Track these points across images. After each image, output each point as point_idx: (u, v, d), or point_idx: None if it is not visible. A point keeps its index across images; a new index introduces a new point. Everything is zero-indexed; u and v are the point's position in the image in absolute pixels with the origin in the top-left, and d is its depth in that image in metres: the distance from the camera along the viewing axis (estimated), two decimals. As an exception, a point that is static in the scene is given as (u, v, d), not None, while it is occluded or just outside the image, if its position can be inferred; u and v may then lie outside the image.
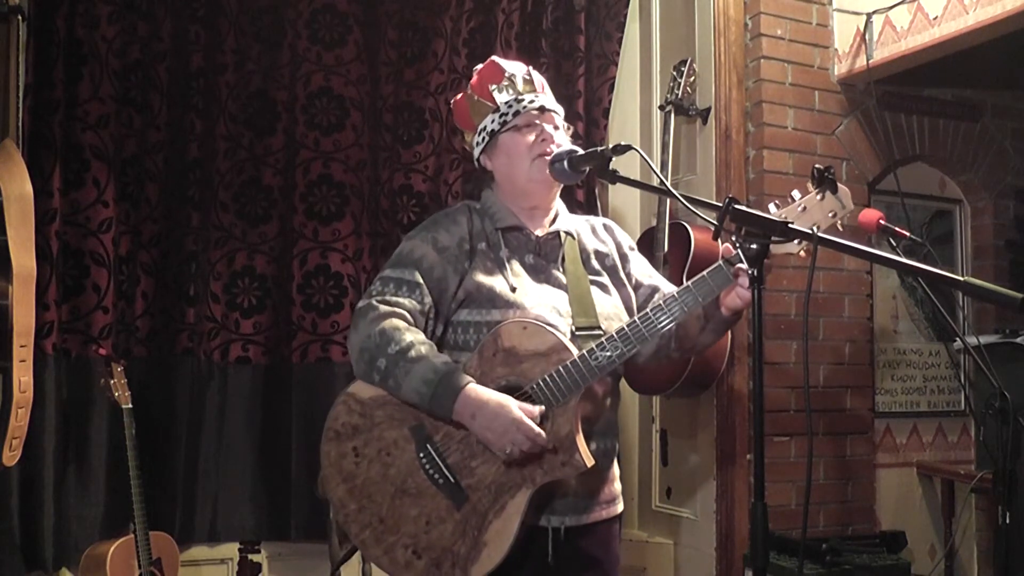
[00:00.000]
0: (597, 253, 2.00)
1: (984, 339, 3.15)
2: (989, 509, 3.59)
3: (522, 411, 1.70)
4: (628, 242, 2.08)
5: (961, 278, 1.50)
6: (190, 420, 3.22)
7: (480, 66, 2.04)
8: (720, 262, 1.75)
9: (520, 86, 1.96)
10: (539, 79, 2.01)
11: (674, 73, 3.49)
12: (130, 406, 2.93)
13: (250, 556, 3.31)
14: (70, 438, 3.04)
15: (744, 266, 1.69)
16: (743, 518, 3.24)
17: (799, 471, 3.28)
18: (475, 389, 1.73)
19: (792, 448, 3.30)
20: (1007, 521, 2.71)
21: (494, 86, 1.96)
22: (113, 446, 3.03)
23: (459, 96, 2.05)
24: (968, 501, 3.67)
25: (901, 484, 3.68)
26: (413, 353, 1.75)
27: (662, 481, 3.69)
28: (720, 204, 1.59)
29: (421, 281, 1.85)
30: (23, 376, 2.49)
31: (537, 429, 1.70)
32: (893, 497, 3.63)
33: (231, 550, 3.29)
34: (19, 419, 2.51)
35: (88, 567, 2.90)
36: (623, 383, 3.43)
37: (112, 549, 2.86)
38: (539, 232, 1.95)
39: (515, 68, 1.99)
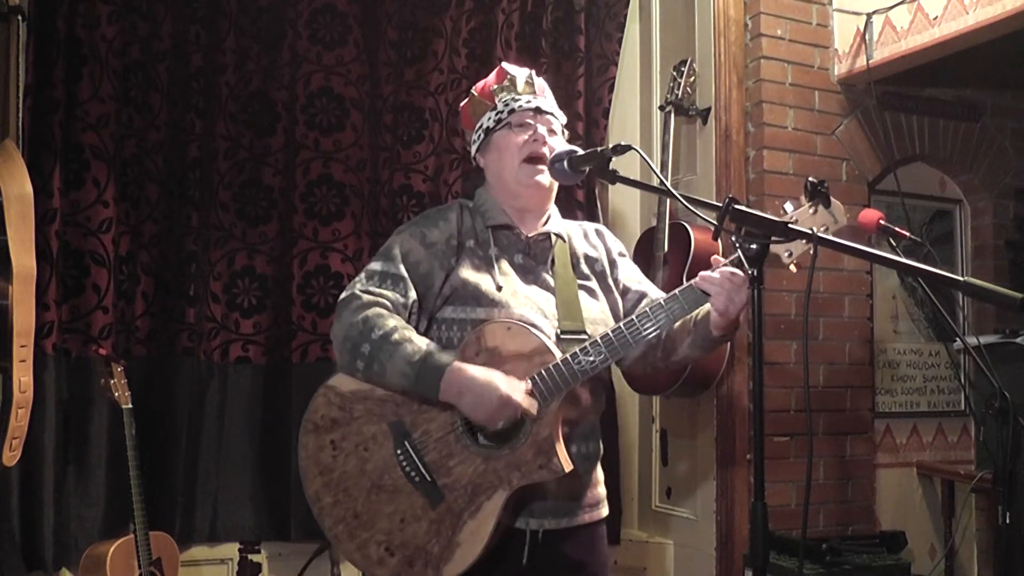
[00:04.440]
0: (587, 257, 1.99)
1: (984, 339, 3.14)
2: (989, 509, 3.59)
3: (509, 386, 1.70)
4: (618, 248, 2.07)
5: (961, 278, 1.50)
6: (190, 420, 3.22)
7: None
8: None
9: (520, 87, 1.97)
10: (541, 84, 2.02)
11: (674, 73, 3.49)
12: (130, 406, 2.93)
13: (250, 556, 3.31)
14: (70, 438, 3.03)
15: (729, 269, 1.71)
16: (743, 518, 3.24)
17: (799, 471, 3.28)
18: (460, 367, 1.72)
19: (792, 448, 3.30)
20: (1007, 521, 2.71)
21: (496, 87, 1.97)
22: (113, 446, 3.03)
23: (465, 100, 2.07)
24: (968, 501, 3.67)
25: (901, 484, 3.68)
26: (396, 336, 1.74)
27: (662, 481, 3.69)
28: (720, 204, 1.59)
29: (405, 275, 1.85)
30: (23, 376, 2.49)
31: (526, 404, 1.70)
32: (893, 497, 3.63)
33: (231, 550, 3.29)
34: (19, 419, 2.50)
35: (88, 567, 2.90)
36: (623, 383, 3.46)
37: (112, 549, 2.85)
38: (530, 233, 1.95)
39: (518, 71, 2.00)
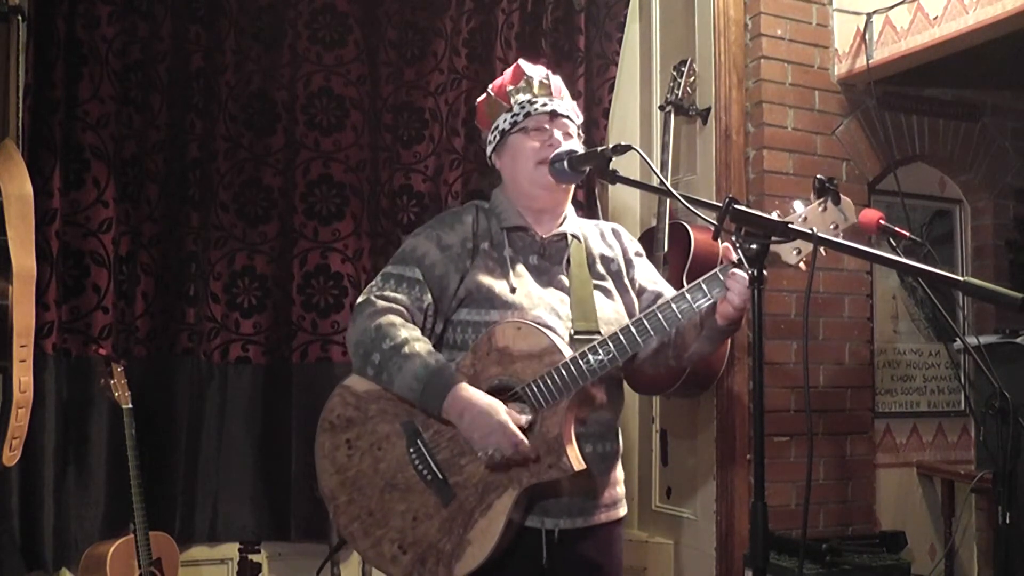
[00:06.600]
0: (603, 257, 1.99)
1: (984, 339, 3.14)
2: (989, 509, 3.59)
3: (509, 417, 1.71)
4: (635, 248, 2.06)
5: (961, 278, 1.50)
6: (190, 420, 3.22)
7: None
8: (716, 269, 1.74)
9: (536, 89, 1.96)
10: (557, 84, 2.00)
11: (674, 73, 3.49)
12: (130, 406, 2.93)
13: (250, 556, 3.31)
14: (70, 438, 3.03)
15: (735, 269, 1.69)
16: (743, 518, 3.24)
17: (799, 471, 3.28)
18: (465, 388, 1.74)
19: (792, 448, 3.31)
20: (1007, 521, 2.71)
21: (511, 87, 1.97)
22: (113, 446, 3.03)
23: (482, 97, 2.05)
24: (968, 501, 3.67)
25: (901, 484, 3.68)
26: (407, 349, 1.76)
27: (662, 481, 3.69)
28: (720, 204, 1.59)
29: (422, 278, 1.86)
30: (23, 376, 2.49)
31: (521, 436, 1.70)
32: (893, 497, 3.64)
33: (231, 550, 3.29)
34: (19, 419, 2.50)
35: (88, 567, 2.90)
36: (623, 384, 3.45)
37: (112, 549, 2.86)
38: (545, 234, 1.95)
39: (535, 71, 1.98)
